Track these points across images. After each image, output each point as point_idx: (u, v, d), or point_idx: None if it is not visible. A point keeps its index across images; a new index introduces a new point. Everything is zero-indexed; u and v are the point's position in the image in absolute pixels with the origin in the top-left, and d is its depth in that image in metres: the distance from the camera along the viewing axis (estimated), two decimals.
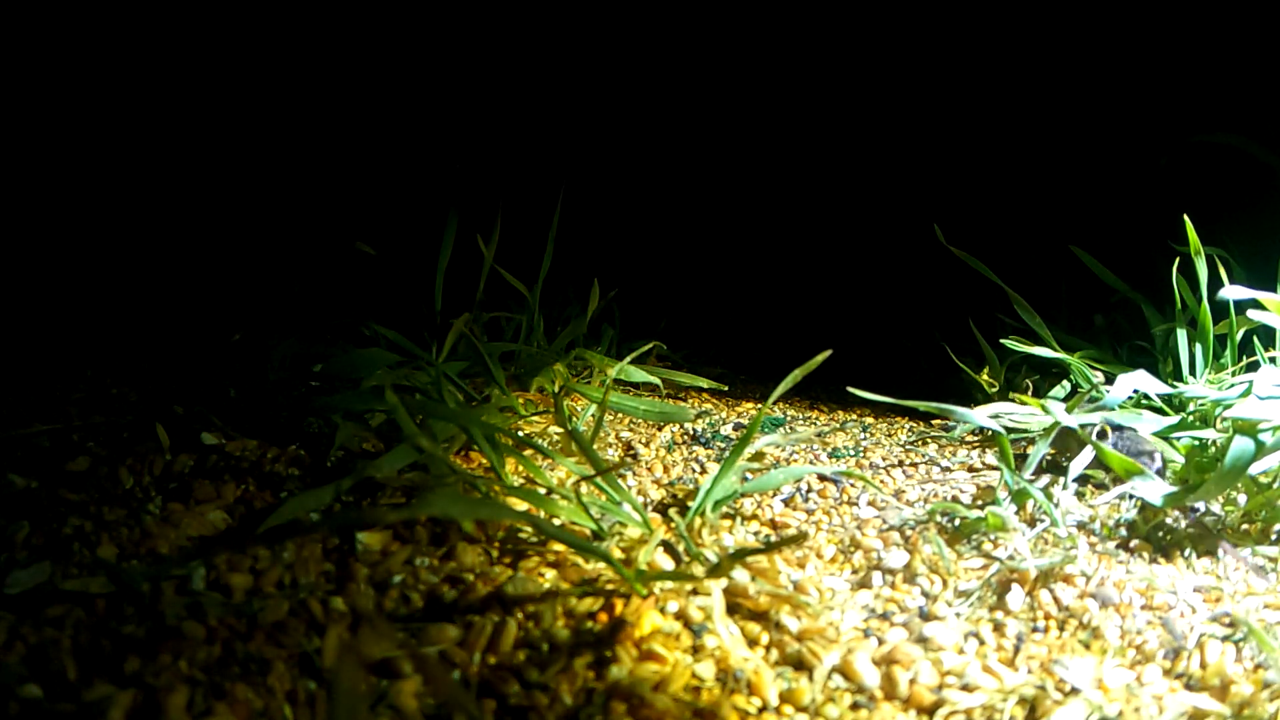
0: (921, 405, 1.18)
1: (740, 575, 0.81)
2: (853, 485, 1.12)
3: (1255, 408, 0.95)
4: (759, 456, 1.21)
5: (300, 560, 0.79)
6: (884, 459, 1.29)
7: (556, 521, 0.89)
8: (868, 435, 1.48)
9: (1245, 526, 0.93)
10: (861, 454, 1.32)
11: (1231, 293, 1.16)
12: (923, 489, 1.14)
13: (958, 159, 2.66)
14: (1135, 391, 1.25)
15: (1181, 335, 1.40)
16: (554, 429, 1.28)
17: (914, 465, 1.26)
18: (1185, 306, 1.41)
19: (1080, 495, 1.06)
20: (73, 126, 1.88)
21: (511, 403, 1.30)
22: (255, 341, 1.38)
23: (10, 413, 1.13)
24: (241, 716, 0.60)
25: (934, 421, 1.62)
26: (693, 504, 0.94)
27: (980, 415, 1.17)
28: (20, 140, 1.80)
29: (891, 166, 2.79)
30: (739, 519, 0.99)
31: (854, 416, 1.70)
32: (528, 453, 1.05)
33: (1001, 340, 1.48)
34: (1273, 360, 1.24)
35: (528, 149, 2.57)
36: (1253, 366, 1.28)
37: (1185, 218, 1.31)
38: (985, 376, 1.69)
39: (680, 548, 0.87)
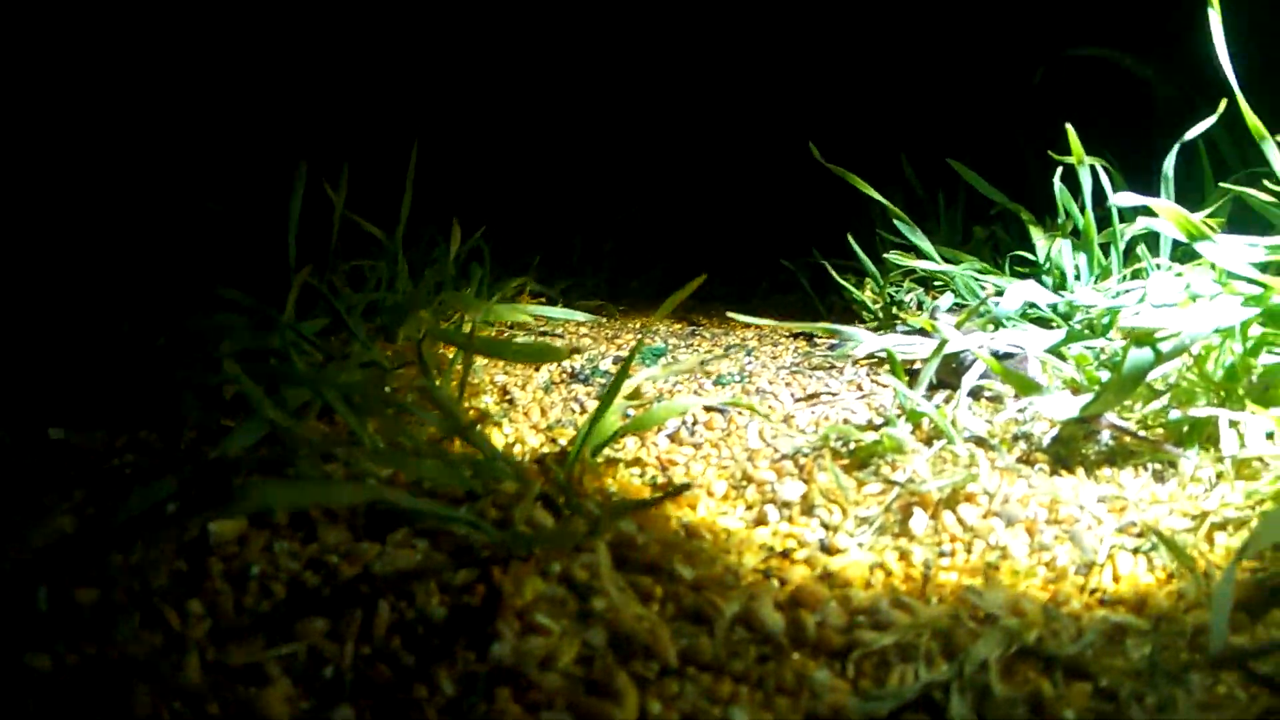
0: (808, 327, 1.14)
1: (627, 524, 0.74)
2: (740, 414, 1.07)
3: (1150, 316, 0.93)
4: (640, 391, 1.14)
5: (149, 562, 0.69)
6: (770, 383, 1.25)
7: (426, 485, 0.80)
8: (752, 359, 1.43)
9: (1142, 433, 0.91)
10: (747, 379, 1.27)
11: (1121, 199, 1.14)
12: (813, 413, 1.10)
13: (831, 73, 2.62)
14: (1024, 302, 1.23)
15: (1065, 245, 1.39)
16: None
17: (803, 389, 1.21)
18: (1068, 216, 1.39)
19: (974, 411, 1.03)
20: None
21: (375, 356, 1.20)
22: (97, 321, 1.24)
23: None
24: None
25: (817, 341, 1.58)
26: (572, 450, 0.87)
27: (869, 338, 1.13)
28: None
29: (763, 82, 2.74)
30: (622, 462, 0.93)
31: (737, 341, 1.65)
32: (391, 411, 0.96)
33: (884, 255, 1.44)
34: (1158, 267, 1.23)
35: (379, 90, 2.42)
36: (1136, 275, 1.27)
37: (1069, 127, 1.28)
38: (868, 293, 1.66)
39: (561, 501, 0.80)
